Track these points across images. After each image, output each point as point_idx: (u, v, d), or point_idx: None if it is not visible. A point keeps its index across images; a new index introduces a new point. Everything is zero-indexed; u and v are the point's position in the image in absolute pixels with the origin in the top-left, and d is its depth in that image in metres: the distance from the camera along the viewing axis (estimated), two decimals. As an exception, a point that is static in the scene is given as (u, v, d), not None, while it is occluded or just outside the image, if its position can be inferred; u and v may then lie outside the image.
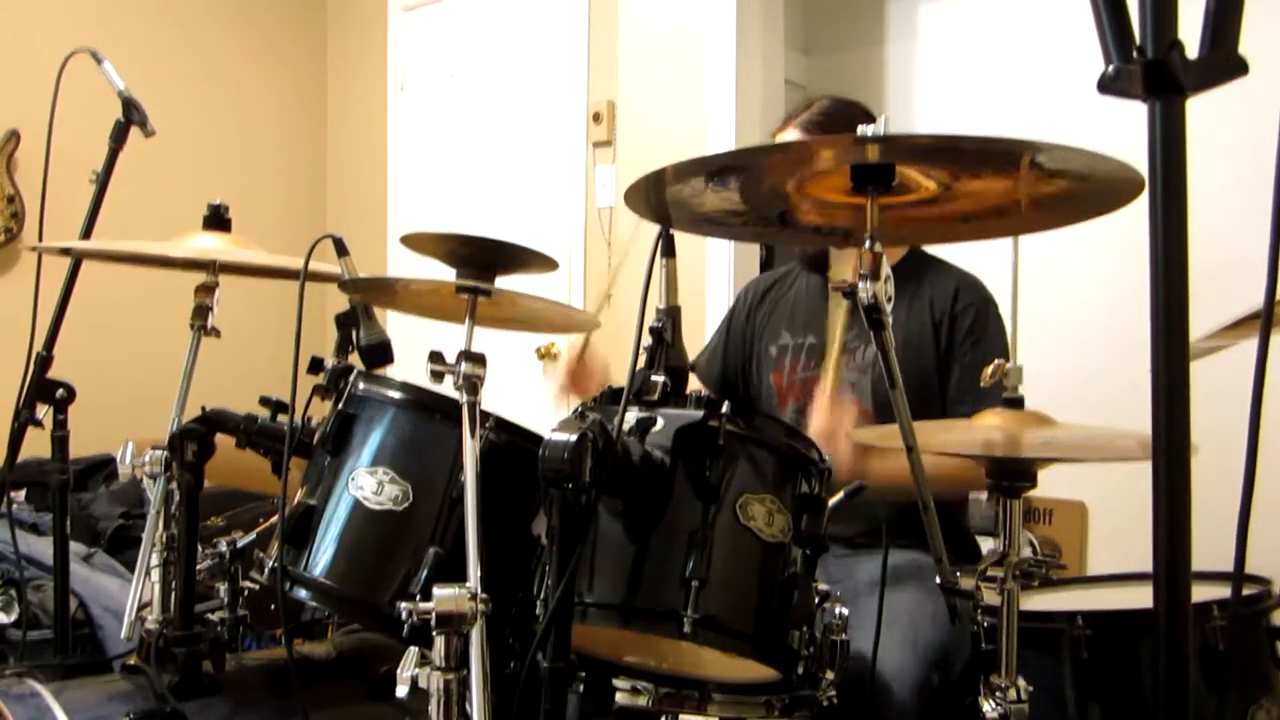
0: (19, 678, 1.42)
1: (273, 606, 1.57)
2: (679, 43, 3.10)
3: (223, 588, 1.52)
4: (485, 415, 1.29)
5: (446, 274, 1.34)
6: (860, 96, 2.05)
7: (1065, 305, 2.69)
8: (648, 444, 1.16)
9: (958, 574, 1.27)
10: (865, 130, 1.00)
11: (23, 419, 1.85)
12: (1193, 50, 0.67)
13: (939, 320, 1.86)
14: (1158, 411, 0.69)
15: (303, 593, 1.32)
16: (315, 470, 1.38)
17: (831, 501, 1.27)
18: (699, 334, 2.98)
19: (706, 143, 3.00)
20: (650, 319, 1.25)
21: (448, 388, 1.26)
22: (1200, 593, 1.28)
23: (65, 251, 1.80)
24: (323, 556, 1.31)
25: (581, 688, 1.27)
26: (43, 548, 2.41)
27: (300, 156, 4.19)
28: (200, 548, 1.51)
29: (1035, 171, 1.03)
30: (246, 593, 1.53)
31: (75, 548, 2.45)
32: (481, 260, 1.32)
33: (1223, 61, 0.67)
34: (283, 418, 1.47)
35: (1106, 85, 0.69)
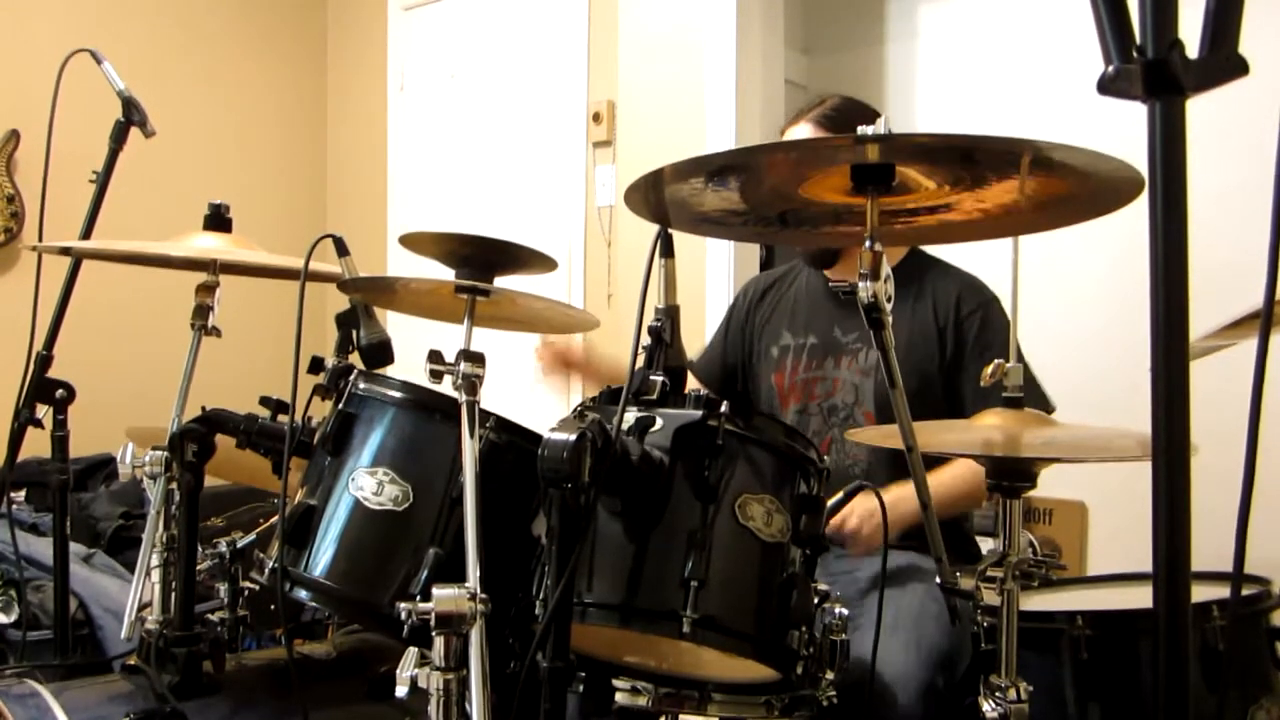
0: (19, 678, 1.42)
1: (273, 606, 1.57)
2: (679, 43, 3.10)
3: (223, 588, 1.52)
4: (485, 415, 1.29)
5: (446, 274, 1.34)
6: (860, 96, 2.05)
7: (1065, 305, 2.69)
8: (647, 444, 1.15)
9: (957, 574, 1.27)
10: (865, 130, 1.00)
11: (23, 419, 1.85)
12: (1193, 50, 0.67)
13: (943, 325, 1.86)
14: (1158, 411, 0.69)
15: (303, 593, 1.32)
16: (315, 470, 1.38)
17: (831, 502, 1.27)
18: (698, 334, 2.98)
19: (706, 143, 3.00)
20: (649, 319, 1.25)
21: (447, 387, 1.26)
22: (1200, 593, 1.28)
23: (65, 251, 1.80)
24: (323, 557, 1.31)
25: (581, 688, 1.27)
26: (43, 548, 2.41)
27: (300, 156, 4.19)
28: (200, 548, 1.51)
29: (1035, 171, 1.03)
30: (246, 593, 1.53)
31: (75, 548, 2.45)
32: (481, 260, 1.32)
33: (1223, 61, 0.67)
34: (283, 418, 1.47)
35: (1106, 85, 0.69)
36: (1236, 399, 0.88)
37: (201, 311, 1.67)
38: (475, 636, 1.11)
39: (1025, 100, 2.85)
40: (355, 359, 1.48)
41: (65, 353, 1.89)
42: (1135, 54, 0.67)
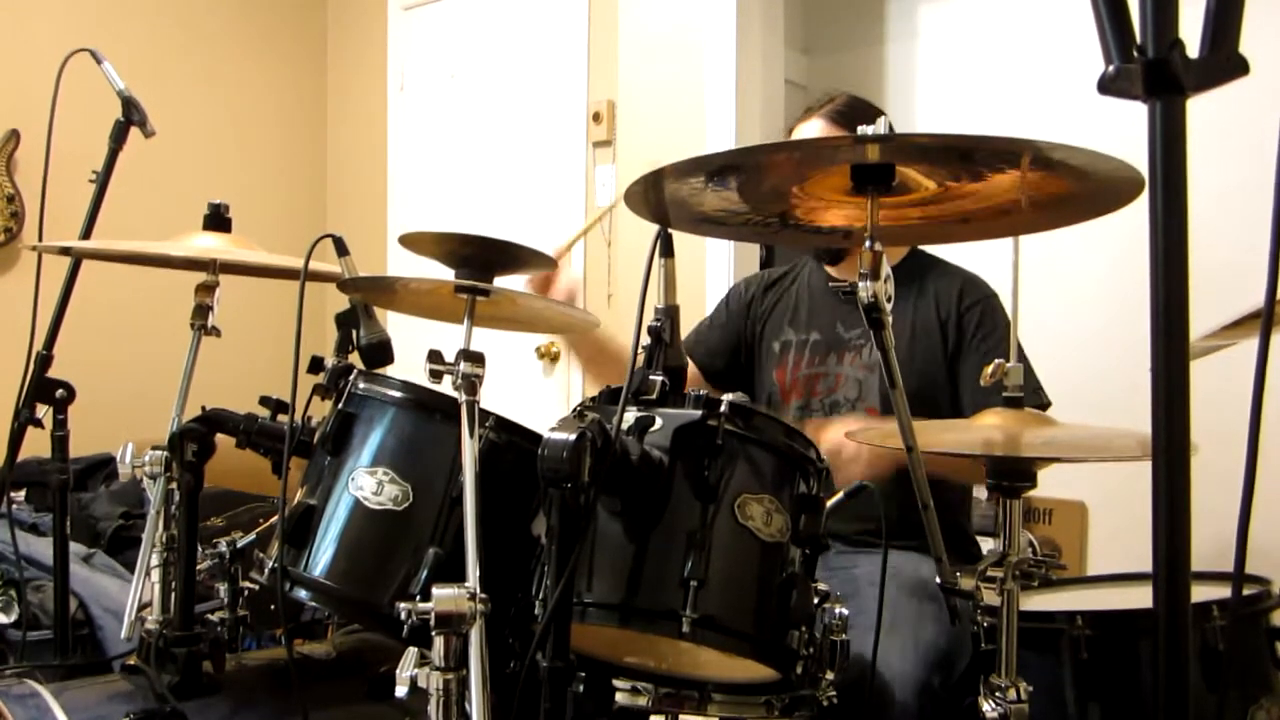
0: (19, 678, 1.42)
1: (273, 606, 1.57)
2: (679, 43, 3.10)
3: (223, 588, 1.52)
4: (485, 415, 1.29)
5: (446, 274, 1.34)
6: (860, 96, 2.05)
7: (1065, 305, 2.69)
8: (646, 443, 1.15)
9: (957, 574, 1.27)
10: (865, 130, 1.00)
11: (23, 419, 1.85)
12: (1193, 50, 0.67)
13: (945, 319, 1.86)
14: (1158, 411, 0.69)
15: (302, 593, 1.32)
16: (315, 470, 1.38)
17: (830, 502, 1.27)
18: (699, 334, 2.98)
19: (706, 143, 3.00)
20: (649, 318, 1.25)
21: (447, 387, 1.26)
22: (1200, 593, 1.28)
23: (65, 251, 1.80)
24: (322, 556, 1.31)
25: (581, 688, 1.27)
26: (43, 548, 2.41)
27: (300, 156, 4.19)
28: (200, 548, 1.51)
29: (1035, 171, 1.03)
30: (246, 593, 1.53)
31: (75, 548, 2.45)
32: (481, 260, 1.32)
33: (1223, 61, 0.67)
34: (283, 418, 1.46)
35: (1107, 85, 0.69)
36: (1236, 399, 0.88)
37: (201, 311, 1.67)
38: (475, 636, 1.11)
39: (1025, 100, 2.85)
40: (355, 359, 1.48)
41: (65, 353, 1.89)
42: (1136, 53, 0.67)
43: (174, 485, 1.50)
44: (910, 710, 1.50)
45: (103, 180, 1.92)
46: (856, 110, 1.92)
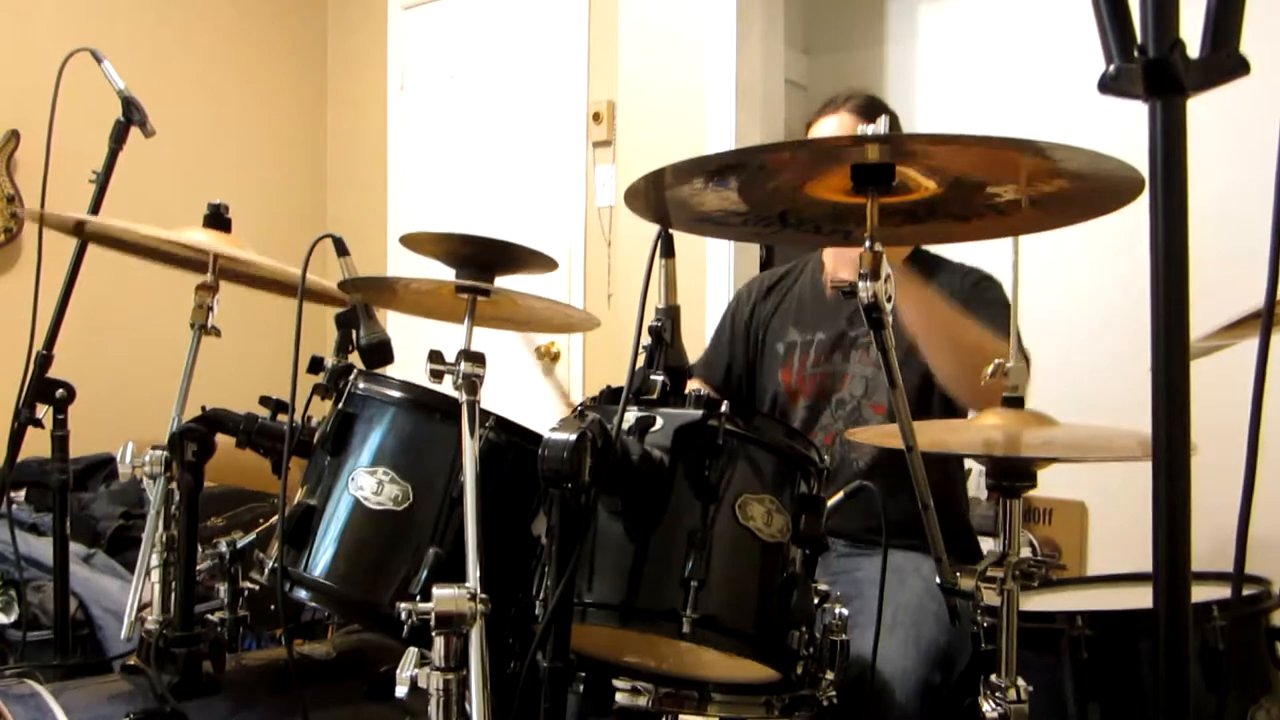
0: (19, 678, 1.42)
1: (273, 606, 1.57)
2: (679, 43, 3.10)
3: (223, 588, 1.52)
4: (485, 415, 1.29)
5: (446, 274, 1.34)
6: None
7: (1065, 305, 2.69)
8: (647, 443, 1.15)
9: (957, 574, 1.27)
10: (865, 130, 1.00)
11: (23, 419, 1.84)
12: (1194, 50, 0.67)
13: (949, 299, 1.86)
14: (1158, 411, 0.69)
15: (302, 593, 1.32)
16: (315, 470, 1.38)
17: (831, 501, 1.27)
18: (699, 334, 2.98)
19: (706, 143, 3.00)
20: (650, 318, 1.25)
21: (447, 387, 1.26)
22: (1200, 593, 1.28)
23: (77, 228, 1.78)
24: (322, 557, 1.31)
25: (581, 688, 1.27)
26: (43, 548, 2.41)
27: (300, 157, 4.19)
28: (200, 548, 1.51)
29: (1035, 171, 1.03)
30: (246, 593, 1.53)
31: (75, 548, 2.45)
32: (481, 260, 1.32)
33: (1224, 61, 0.67)
34: (283, 417, 1.46)
35: (1107, 85, 0.69)
36: (1236, 399, 0.88)
37: (201, 311, 1.67)
38: (475, 636, 1.11)
39: (1025, 100, 2.85)
40: (355, 359, 1.48)
41: (65, 353, 1.89)
42: (1136, 53, 0.67)
43: (174, 485, 1.50)
44: (911, 708, 1.50)
45: (102, 180, 1.92)
46: (875, 108, 1.92)
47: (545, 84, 3.54)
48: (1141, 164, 0.72)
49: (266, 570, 1.33)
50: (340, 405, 1.38)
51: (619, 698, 1.27)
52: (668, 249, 1.26)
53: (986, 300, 1.84)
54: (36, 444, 1.89)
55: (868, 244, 1.05)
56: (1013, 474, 1.23)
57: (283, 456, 1.40)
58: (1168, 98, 0.67)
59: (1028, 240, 1.30)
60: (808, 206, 1.19)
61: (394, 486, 1.30)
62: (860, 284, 1.05)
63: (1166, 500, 0.69)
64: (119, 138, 1.91)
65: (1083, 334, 2.66)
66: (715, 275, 3.01)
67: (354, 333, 1.49)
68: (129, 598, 1.56)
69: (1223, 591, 1.44)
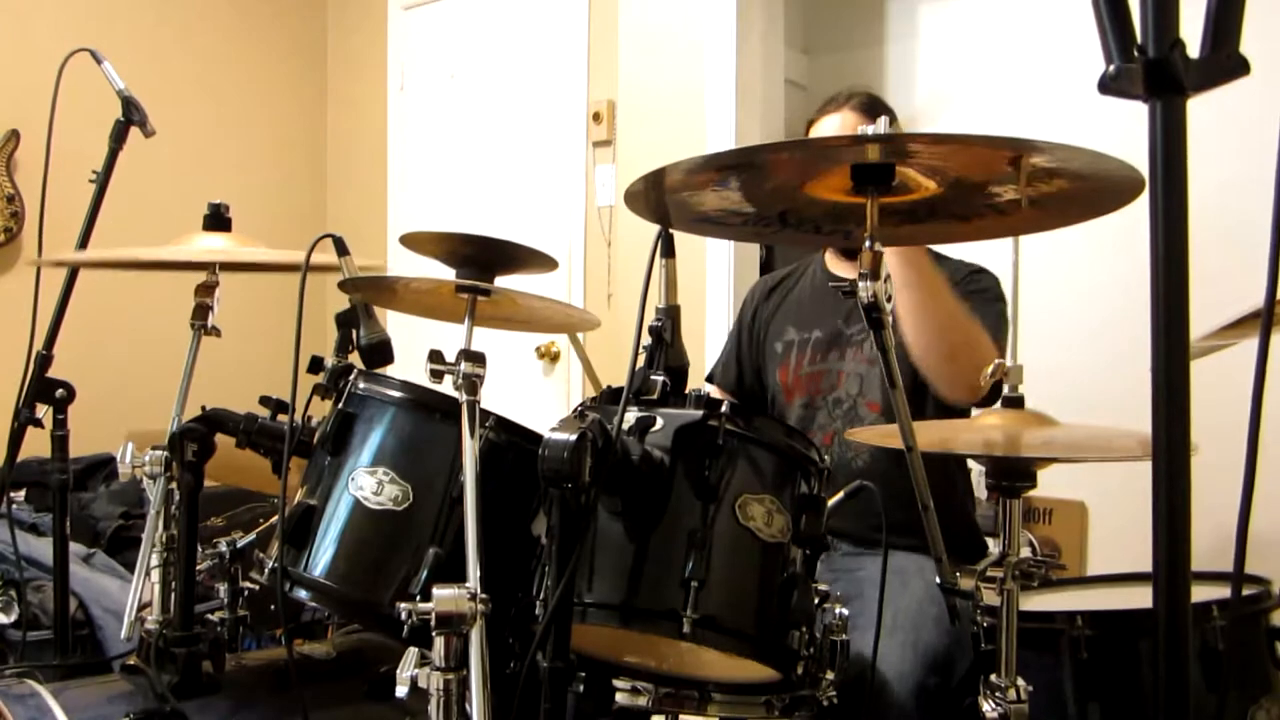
0: (19, 678, 1.42)
1: (273, 606, 1.57)
2: (679, 43, 3.10)
3: (223, 588, 1.52)
4: (485, 415, 1.29)
5: (446, 273, 1.34)
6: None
7: (1065, 304, 2.69)
8: (647, 443, 1.15)
9: (957, 574, 1.27)
10: (865, 129, 1.00)
11: (23, 419, 1.84)
12: (1194, 50, 0.67)
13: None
14: (1158, 411, 0.69)
15: (302, 593, 1.32)
16: (315, 470, 1.38)
17: (831, 501, 1.27)
18: (699, 334, 2.98)
19: (706, 143, 3.00)
20: (650, 318, 1.25)
21: (448, 387, 1.26)
22: (1200, 593, 1.28)
23: (64, 264, 1.79)
24: (322, 557, 1.30)
25: (581, 688, 1.27)
26: (43, 548, 2.41)
27: (300, 156, 4.19)
28: (200, 548, 1.51)
29: (1035, 171, 1.03)
30: (246, 593, 1.53)
31: (75, 548, 2.45)
32: (481, 260, 1.32)
33: (1224, 61, 0.67)
34: (283, 417, 1.46)
35: (1107, 85, 0.69)
36: (1236, 399, 0.88)
37: (201, 311, 1.67)
38: (475, 636, 1.11)
39: (1025, 100, 2.85)
40: (355, 359, 1.48)
41: (65, 353, 1.89)
42: (1136, 53, 0.67)
43: (174, 485, 1.50)
44: (908, 710, 1.50)
45: (103, 180, 1.91)
46: (877, 106, 1.92)
47: (545, 84, 3.54)
48: (1141, 164, 0.72)
49: (266, 570, 1.33)
50: (340, 405, 1.37)
51: (619, 698, 1.27)
52: (668, 249, 1.26)
53: (974, 289, 1.85)
54: (36, 444, 1.89)
55: (868, 244, 1.05)
56: (1013, 474, 1.23)
57: (283, 456, 1.39)
58: (1168, 98, 0.67)
59: (1028, 240, 1.31)
60: (808, 206, 1.19)
61: (394, 486, 1.30)
62: (860, 284, 1.05)
63: (1166, 500, 0.69)
64: (119, 138, 1.91)
65: (1083, 334, 2.66)
66: (715, 275, 3.01)
67: (354, 332, 1.49)
68: (129, 597, 1.56)
69: (1223, 591, 1.44)
